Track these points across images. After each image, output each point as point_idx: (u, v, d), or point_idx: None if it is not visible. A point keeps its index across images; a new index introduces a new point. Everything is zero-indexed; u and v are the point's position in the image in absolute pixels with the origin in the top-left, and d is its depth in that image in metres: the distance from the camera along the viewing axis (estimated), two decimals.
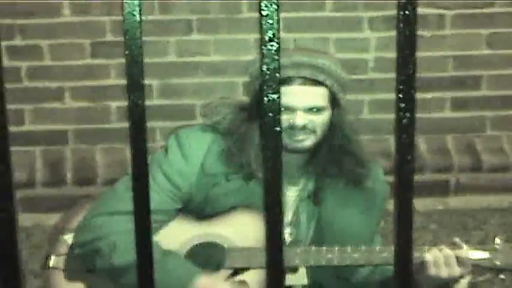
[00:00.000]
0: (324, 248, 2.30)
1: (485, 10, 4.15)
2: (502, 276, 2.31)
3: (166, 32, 4.04)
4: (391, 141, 4.06)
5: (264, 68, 0.94)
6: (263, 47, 0.94)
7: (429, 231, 3.96)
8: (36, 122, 4.08)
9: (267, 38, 0.93)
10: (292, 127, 2.26)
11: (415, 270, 2.27)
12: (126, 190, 2.16)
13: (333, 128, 2.33)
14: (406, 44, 0.95)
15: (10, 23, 3.96)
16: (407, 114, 0.97)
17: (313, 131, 2.29)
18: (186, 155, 2.34)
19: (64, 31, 4.00)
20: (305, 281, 2.38)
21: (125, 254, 2.21)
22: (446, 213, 4.12)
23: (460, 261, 2.25)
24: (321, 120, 2.29)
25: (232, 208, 2.34)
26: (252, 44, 4.01)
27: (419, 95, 4.14)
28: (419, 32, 4.38)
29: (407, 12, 0.94)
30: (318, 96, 2.28)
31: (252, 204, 2.31)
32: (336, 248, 2.30)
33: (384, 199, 2.44)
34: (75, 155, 4.09)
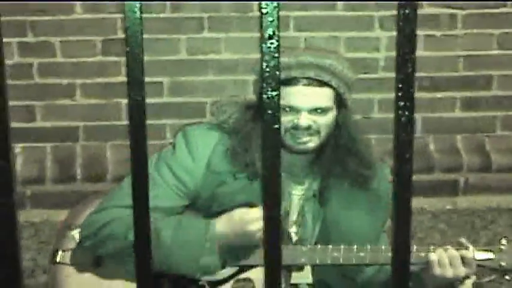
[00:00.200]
0: (330, 246, 2.30)
1: (496, 10, 4.14)
2: (507, 277, 2.30)
3: (177, 30, 4.05)
4: None
5: (264, 65, 0.94)
6: (263, 45, 0.94)
7: (437, 230, 3.95)
8: (47, 118, 4.10)
9: (266, 36, 0.94)
10: (296, 127, 2.26)
11: (420, 269, 2.27)
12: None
13: (339, 128, 2.32)
14: (406, 43, 0.95)
15: (22, 20, 3.97)
16: (407, 113, 0.97)
17: (318, 132, 2.28)
18: (193, 153, 2.34)
19: (75, 28, 4.01)
20: (310, 280, 2.39)
21: None
22: (454, 213, 4.11)
23: (465, 261, 2.24)
24: (325, 121, 2.28)
25: (238, 206, 2.34)
26: None
27: (429, 95, 4.16)
28: (431, 32, 4.36)
29: (407, 11, 0.94)
30: (323, 97, 2.28)
31: (257, 203, 2.31)
32: (342, 247, 2.29)
33: (390, 200, 2.43)
34: (85, 152, 4.11)
